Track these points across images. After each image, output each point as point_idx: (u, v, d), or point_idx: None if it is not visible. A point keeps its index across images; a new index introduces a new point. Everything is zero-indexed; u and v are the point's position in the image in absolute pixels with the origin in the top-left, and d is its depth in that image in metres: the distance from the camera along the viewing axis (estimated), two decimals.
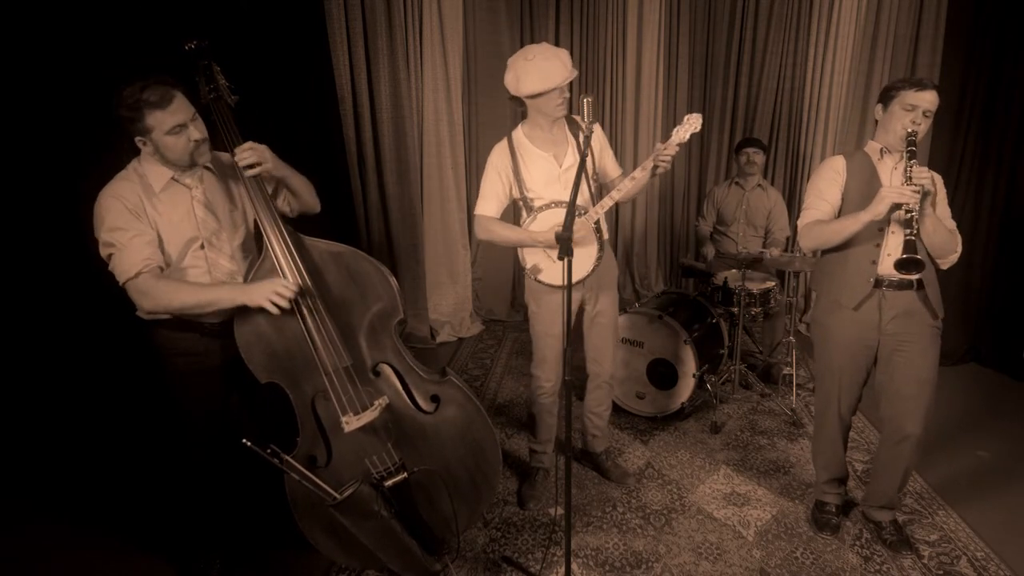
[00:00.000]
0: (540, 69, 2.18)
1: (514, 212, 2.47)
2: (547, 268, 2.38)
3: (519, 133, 2.39)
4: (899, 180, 2.02)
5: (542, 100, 2.24)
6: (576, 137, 2.35)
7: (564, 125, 2.38)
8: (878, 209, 1.97)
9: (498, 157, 2.37)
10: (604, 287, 2.51)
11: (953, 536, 2.42)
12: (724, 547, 2.37)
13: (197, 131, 1.80)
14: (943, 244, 2.08)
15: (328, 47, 3.99)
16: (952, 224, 2.15)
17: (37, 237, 2.75)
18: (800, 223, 2.25)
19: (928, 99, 2.04)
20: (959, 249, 2.14)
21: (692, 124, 2.17)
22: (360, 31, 4.07)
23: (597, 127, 2.44)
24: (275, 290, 1.73)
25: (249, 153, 1.81)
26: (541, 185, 2.35)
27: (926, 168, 1.97)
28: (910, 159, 1.98)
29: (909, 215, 1.94)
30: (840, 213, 2.19)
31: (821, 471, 2.47)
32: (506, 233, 2.39)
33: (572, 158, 2.35)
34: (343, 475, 1.89)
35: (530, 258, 2.41)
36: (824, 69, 4.50)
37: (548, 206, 2.33)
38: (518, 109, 2.35)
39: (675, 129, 2.19)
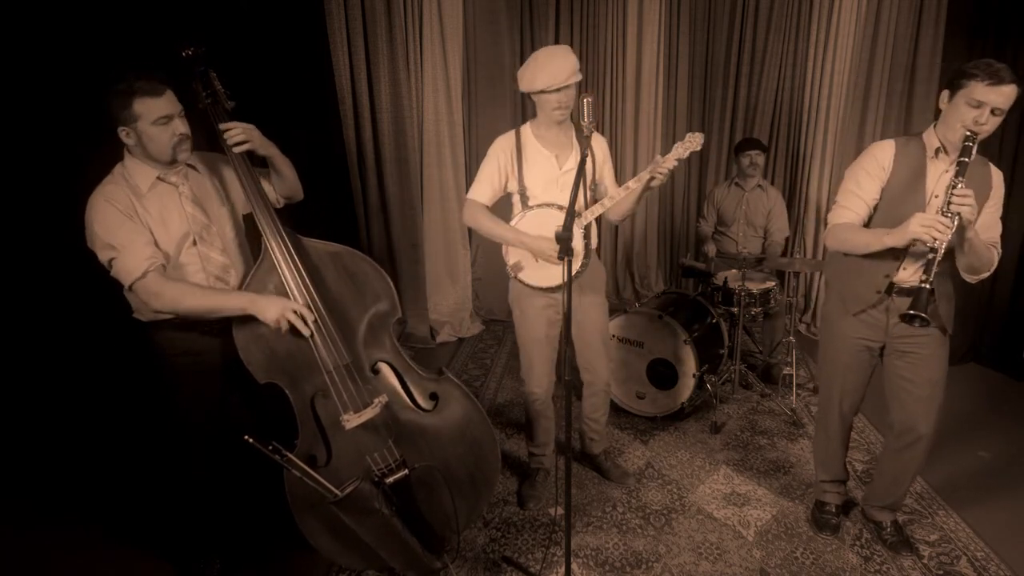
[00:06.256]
0: (536, 68, 2.20)
1: (507, 205, 2.46)
2: (529, 267, 2.36)
3: (527, 129, 2.39)
4: (943, 190, 1.84)
5: (540, 99, 2.25)
6: (581, 144, 2.35)
7: (571, 131, 2.38)
8: (902, 239, 1.84)
9: (501, 146, 2.36)
10: (589, 294, 2.49)
11: (953, 536, 2.42)
12: (724, 547, 2.37)
13: (183, 126, 1.81)
14: (977, 265, 1.93)
15: (328, 47, 3.99)
16: (996, 233, 1.99)
17: (34, 239, 2.75)
18: (830, 218, 2.11)
19: (1003, 94, 1.76)
20: (994, 267, 1.97)
21: (693, 143, 2.16)
22: (360, 31, 4.07)
23: (603, 140, 2.46)
24: (291, 308, 1.78)
25: (238, 131, 1.85)
26: (539, 184, 2.34)
27: (971, 193, 1.73)
28: (958, 174, 1.76)
29: (932, 254, 1.76)
30: (876, 207, 2.04)
31: (821, 471, 2.46)
32: (492, 227, 2.34)
33: (573, 162, 2.35)
34: (343, 473, 1.89)
35: (513, 255, 2.39)
36: (824, 69, 4.50)
37: (540, 206, 2.32)
38: (530, 106, 2.37)
39: (676, 144, 2.18)
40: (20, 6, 2.56)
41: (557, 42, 4.74)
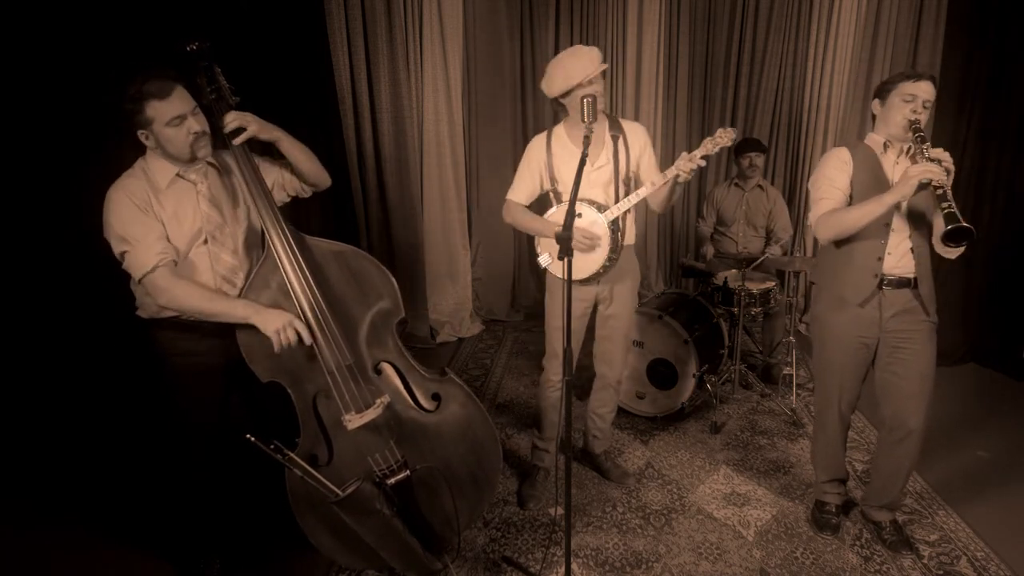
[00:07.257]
0: (564, 68, 2.23)
1: (542, 204, 2.50)
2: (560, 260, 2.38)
3: (560, 128, 2.42)
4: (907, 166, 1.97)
5: (572, 98, 2.26)
6: (615, 140, 2.35)
7: (605, 125, 2.38)
8: (905, 189, 1.91)
9: (534, 149, 2.44)
10: (621, 288, 2.50)
11: (953, 536, 2.43)
12: (724, 547, 2.37)
13: (197, 124, 1.80)
14: None
15: (328, 47, 3.99)
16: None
17: (37, 238, 2.75)
18: (813, 215, 2.19)
19: (925, 89, 2.03)
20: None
21: (723, 139, 2.16)
22: (360, 31, 4.07)
23: (641, 129, 2.44)
24: (290, 323, 1.78)
25: (232, 118, 1.83)
26: (571, 180, 2.35)
27: (942, 150, 1.92)
28: (922, 143, 1.95)
29: (941, 190, 1.86)
30: (850, 204, 2.15)
31: (821, 471, 2.47)
32: (526, 221, 2.47)
33: (605, 158, 2.36)
34: (345, 473, 1.89)
35: (544, 248, 2.44)
36: (824, 69, 4.51)
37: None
38: (560, 113, 2.38)
39: (705, 140, 2.18)
40: (25, 3, 2.56)
41: (557, 42, 4.74)
